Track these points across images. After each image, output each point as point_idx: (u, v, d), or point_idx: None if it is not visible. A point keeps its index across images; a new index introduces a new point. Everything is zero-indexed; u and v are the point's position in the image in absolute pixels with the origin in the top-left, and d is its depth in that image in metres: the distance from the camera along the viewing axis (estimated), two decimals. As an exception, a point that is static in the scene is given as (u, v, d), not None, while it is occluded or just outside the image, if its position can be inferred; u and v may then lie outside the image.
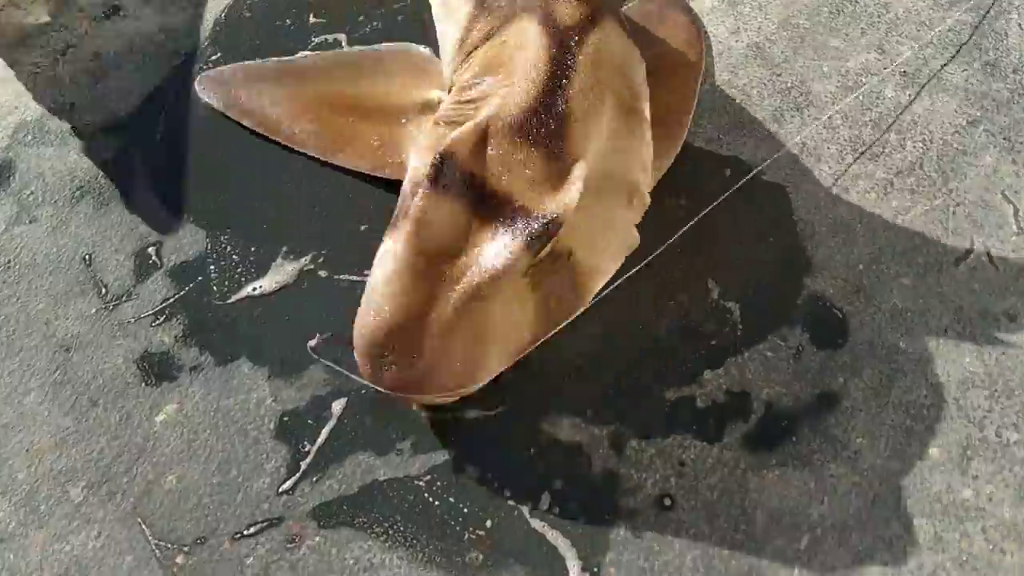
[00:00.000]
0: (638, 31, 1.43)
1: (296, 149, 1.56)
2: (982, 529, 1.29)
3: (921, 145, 1.66)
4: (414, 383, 1.13)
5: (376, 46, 1.66)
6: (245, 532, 1.28)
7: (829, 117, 1.69)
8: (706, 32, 1.76)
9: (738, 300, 1.48)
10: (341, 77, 1.56)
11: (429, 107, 1.37)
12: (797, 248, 1.54)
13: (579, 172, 1.14)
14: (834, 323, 1.47)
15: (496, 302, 1.12)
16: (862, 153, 1.65)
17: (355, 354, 1.17)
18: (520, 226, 1.09)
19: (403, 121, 1.41)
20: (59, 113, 1.73)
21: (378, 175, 1.48)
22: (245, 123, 1.58)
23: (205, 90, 1.63)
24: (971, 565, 1.26)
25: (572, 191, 1.12)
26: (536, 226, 1.09)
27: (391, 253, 1.13)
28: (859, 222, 1.57)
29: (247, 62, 1.67)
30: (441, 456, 1.34)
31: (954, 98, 1.71)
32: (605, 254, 1.26)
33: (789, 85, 1.73)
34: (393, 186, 1.38)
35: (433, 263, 1.10)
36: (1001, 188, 1.60)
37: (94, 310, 1.48)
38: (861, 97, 1.71)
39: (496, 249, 1.09)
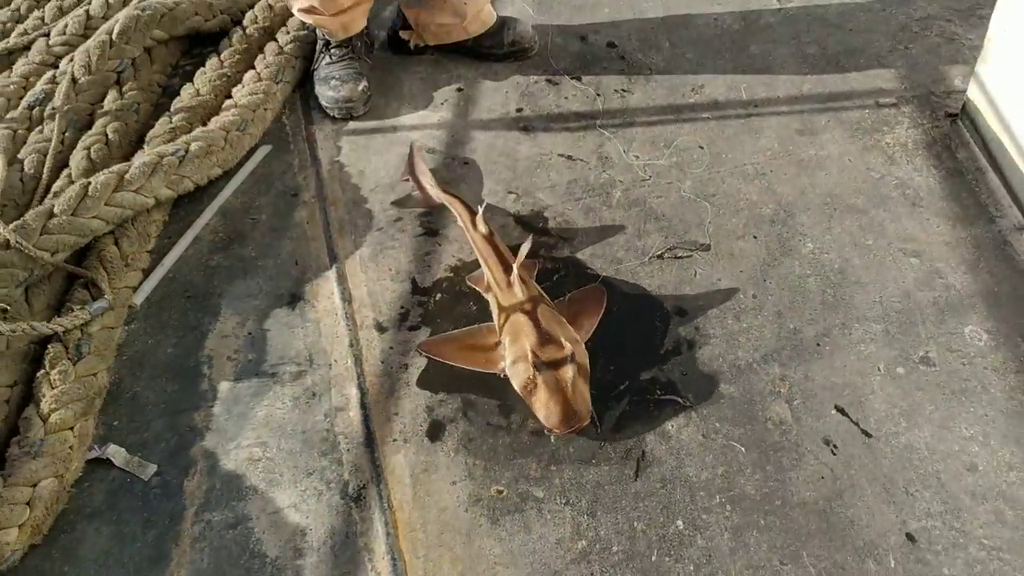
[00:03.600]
0: (574, 299, 2.63)
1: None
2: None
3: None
4: (580, 425, 2.19)
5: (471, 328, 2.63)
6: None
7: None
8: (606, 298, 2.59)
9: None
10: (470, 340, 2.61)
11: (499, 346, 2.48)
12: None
13: (569, 336, 2.34)
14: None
15: (578, 379, 2.25)
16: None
17: (553, 430, 2.17)
18: (568, 353, 2.24)
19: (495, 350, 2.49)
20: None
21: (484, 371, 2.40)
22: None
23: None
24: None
25: (572, 336, 2.32)
26: (573, 351, 2.25)
27: (536, 395, 2.20)
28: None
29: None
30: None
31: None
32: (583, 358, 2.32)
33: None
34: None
35: (550, 382, 2.21)
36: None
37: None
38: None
39: (568, 366, 2.24)
